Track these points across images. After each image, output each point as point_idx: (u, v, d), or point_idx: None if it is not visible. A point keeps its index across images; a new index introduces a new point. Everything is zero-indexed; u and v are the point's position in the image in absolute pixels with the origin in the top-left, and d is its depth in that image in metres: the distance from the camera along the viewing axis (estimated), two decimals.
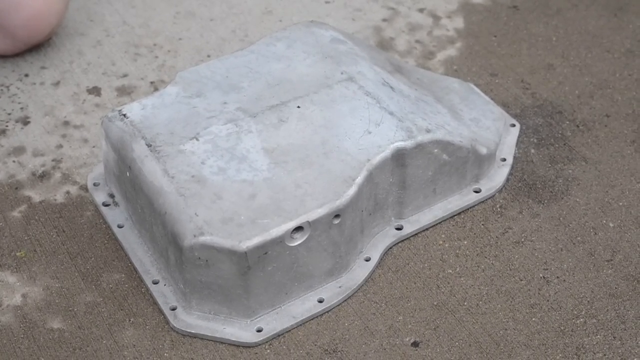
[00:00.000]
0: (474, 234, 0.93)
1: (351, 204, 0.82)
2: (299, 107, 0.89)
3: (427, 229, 0.93)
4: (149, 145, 0.85)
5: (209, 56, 1.15)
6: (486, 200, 0.96)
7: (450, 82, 1.04)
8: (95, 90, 1.10)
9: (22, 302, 0.87)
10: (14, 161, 1.01)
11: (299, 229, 0.80)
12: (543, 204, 0.96)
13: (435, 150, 0.89)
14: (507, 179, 0.98)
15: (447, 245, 0.92)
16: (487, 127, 0.98)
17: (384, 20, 1.20)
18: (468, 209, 0.95)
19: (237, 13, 1.21)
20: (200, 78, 0.93)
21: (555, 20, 1.20)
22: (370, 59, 0.96)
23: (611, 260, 0.90)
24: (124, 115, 0.89)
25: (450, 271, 0.89)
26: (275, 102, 0.89)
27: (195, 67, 0.94)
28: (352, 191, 0.82)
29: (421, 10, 1.22)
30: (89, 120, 1.06)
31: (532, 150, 1.02)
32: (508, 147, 1.00)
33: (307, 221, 0.80)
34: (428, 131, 0.88)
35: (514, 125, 1.03)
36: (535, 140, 1.03)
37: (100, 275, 0.89)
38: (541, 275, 0.89)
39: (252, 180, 0.83)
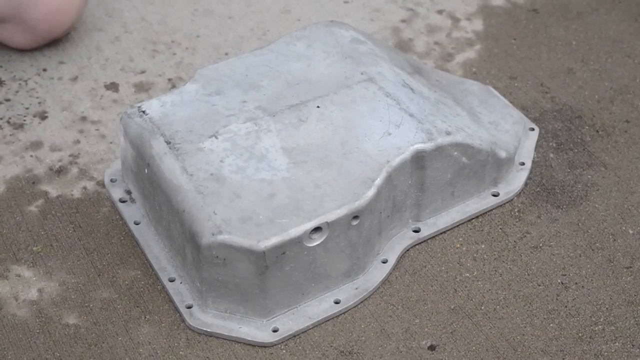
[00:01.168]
0: (492, 237, 0.93)
1: (370, 206, 0.82)
2: (318, 107, 0.89)
3: (444, 232, 0.92)
4: (167, 143, 0.85)
5: (226, 54, 1.15)
6: (504, 204, 0.95)
7: (469, 84, 1.04)
8: (113, 86, 1.10)
9: (38, 297, 0.87)
10: (31, 156, 1.01)
11: (317, 229, 0.80)
12: (562, 209, 0.95)
13: (455, 153, 0.88)
14: (526, 183, 0.97)
15: (464, 248, 0.91)
16: (507, 131, 0.97)
17: (403, 21, 1.20)
18: (486, 212, 0.94)
19: (256, 11, 1.21)
20: (220, 76, 0.93)
21: (576, 24, 1.19)
22: (390, 60, 0.96)
23: (630, 267, 0.89)
24: (143, 111, 0.88)
25: (468, 275, 0.89)
26: (295, 102, 0.89)
27: (214, 65, 0.94)
28: (371, 193, 0.82)
29: (440, 12, 1.21)
30: (107, 116, 1.06)
31: (551, 155, 1.01)
32: (527, 151, 0.99)
33: (326, 222, 0.80)
34: (448, 134, 0.88)
35: (533, 129, 1.02)
36: (554, 145, 1.02)
37: (116, 272, 0.89)
38: (559, 280, 0.88)
39: (271, 180, 0.82)
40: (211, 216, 0.79)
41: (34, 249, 0.91)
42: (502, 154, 0.93)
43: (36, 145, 1.02)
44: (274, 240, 0.78)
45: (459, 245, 0.92)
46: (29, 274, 0.89)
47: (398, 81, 0.92)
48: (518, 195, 0.96)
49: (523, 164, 0.98)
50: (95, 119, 1.06)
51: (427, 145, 0.86)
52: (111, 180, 0.96)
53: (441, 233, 0.92)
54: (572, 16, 1.21)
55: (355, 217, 0.81)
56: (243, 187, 0.82)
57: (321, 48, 0.96)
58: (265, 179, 0.82)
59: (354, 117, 0.88)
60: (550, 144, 1.02)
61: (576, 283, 0.88)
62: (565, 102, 1.08)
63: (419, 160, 0.86)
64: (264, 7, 1.22)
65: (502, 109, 1.01)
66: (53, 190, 0.97)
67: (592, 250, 0.91)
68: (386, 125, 0.87)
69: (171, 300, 0.86)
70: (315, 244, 0.80)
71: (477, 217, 0.94)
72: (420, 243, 0.91)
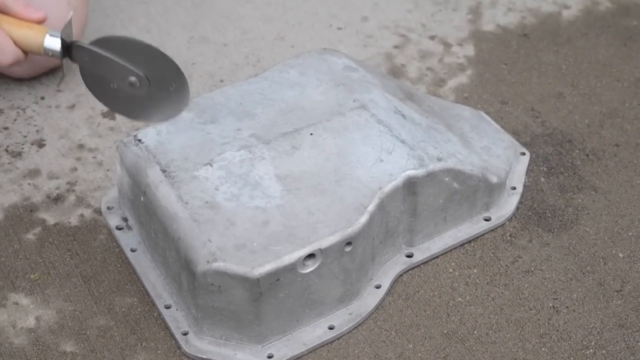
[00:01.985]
0: (484, 262, 0.94)
1: (363, 232, 0.83)
2: (311, 134, 0.90)
3: (437, 257, 0.94)
4: (163, 171, 0.86)
5: (222, 81, 1.16)
6: (496, 228, 0.97)
7: (460, 109, 1.05)
8: (109, 114, 1.11)
9: (36, 325, 0.87)
10: (29, 183, 1.02)
11: (311, 256, 0.81)
12: (553, 233, 0.96)
13: (447, 179, 0.89)
14: (517, 208, 0.98)
15: (457, 273, 0.92)
16: (498, 156, 0.99)
17: (395, 47, 1.22)
18: (478, 237, 0.96)
19: (250, 39, 1.23)
20: (214, 104, 0.94)
21: (565, 49, 1.21)
22: (382, 87, 0.97)
23: (621, 290, 0.90)
24: (139, 140, 0.90)
25: (460, 299, 0.90)
26: (288, 129, 0.91)
27: (209, 94, 0.96)
28: (364, 219, 0.83)
29: (432, 38, 1.23)
30: (104, 143, 1.07)
31: (542, 179, 1.02)
32: (518, 176, 1.01)
33: (319, 248, 0.81)
34: (439, 160, 0.89)
35: (524, 154, 1.04)
36: (545, 169, 1.04)
37: (113, 299, 0.90)
38: (551, 304, 0.89)
39: (265, 207, 0.83)
40: (206, 244, 0.80)
41: (32, 276, 0.92)
42: (494, 179, 0.94)
43: (34, 173, 1.04)
44: (268, 267, 0.79)
45: (451, 270, 0.93)
46: (27, 302, 0.90)
47: (390, 108, 0.94)
48: (510, 219, 0.97)
49: (514, 188, 0.99)
50: (93, 147, 1.07)
51: (419, 172, 0.87)
52: (108, 208, 0.97)
53: (434, 258, 0.93)
54: (562, 41, 1.23)
55: (349, 244, 0.83)
56: (237, 215, 0.83)
57: (314, 75, 0.97)
58: (259, 206, 0.84)
59: (346, 144, 0.89)
60: (541, 168, 1.04)
61: (567, 307, 0.89)
62: (555, 127, 1.10)
63: (410, 186, 0.87)
64: (259, 34, 1.24)
65: (494, 134, 1.02)
66: (50, 218, 0.98)
67: (583, 274, 0.92)
68: (378, 152, 0.89)
69: (167, 327, 0.86)
70: (309, 270, 0.82)
71: (469, 241, 0.95)
72: (413, 268, 0.92)
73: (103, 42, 0.85)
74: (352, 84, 0.96)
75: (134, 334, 0.86)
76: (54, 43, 0.84)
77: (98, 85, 0.87)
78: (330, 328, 0.85)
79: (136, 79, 0.84)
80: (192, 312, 0.84)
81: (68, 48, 0.85)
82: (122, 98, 0.86)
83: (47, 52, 0.85)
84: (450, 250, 0.94)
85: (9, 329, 0.87)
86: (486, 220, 0.96)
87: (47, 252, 0.95)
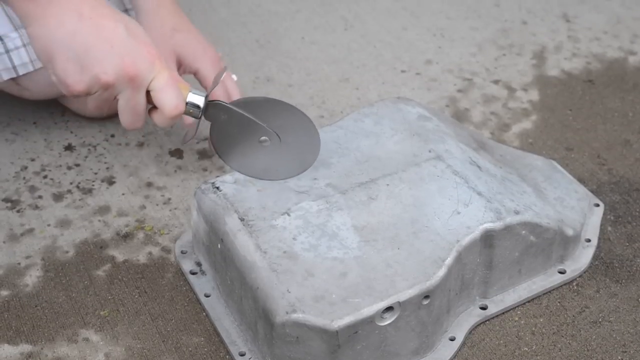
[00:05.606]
0: (550, 311, 0.93)
1: (440, 285, 0.83)
2: (387, 185, 0.90)
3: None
4: (241, 219, 0.87)
5: None
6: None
7: (532, 159, 1.05)
8: (177, 153, 1.13)
9: None
10: (99, 220, 1.04)
11: (389, 309, 0.81)
12: (621, 283, 0.96)
13: (523, 232, 0.89)
14: (592, 261, 0.98)
15: (522, 322, 0.92)
16: (572, 207, 0.99)
17: (459, 91, 1.22)
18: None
19: (315, 80, 1.24)
20: None
21: (632, 96, 1.21)
22: (455, 137, 0.97)
23: None
24: (217, 188, 0.91)
25: (527, 349, 0.89)
26: (365, 179, 0.91)
27: None
28: (442, 272, 0.83)
29: (496, 82, 1.23)
30: (171, 182, 1.09)
31: (609, 228, 1.02)
32: (592, 228, 1.00)
33: (398, 301, 0.81)
34: (517, 213, 0.89)
35: (597, 205, 1.03)
36: (612, 218, 1.03)
37: (180, 338, 0.90)
38: (620, 357, 0.89)
39: (342, 258, 0.84)
40: (285, 294, 0.81)
41: (102, 313, 0.93)
42: (569, 232, 0.94)
43: (104, 210, 1.05)
44: (347, 320, 0.79)
45: (517, 319, 0.92)
46: (97, 338, 0.91)
47: (465, 159, 0.94)
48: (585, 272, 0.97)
49: (589, 240, 0.99)
50: (161, 185, 1.08)
51: (496, 225, 0.87)
52: (182, 252, 0.98)
53: (508, 310, 0.93)
54: (628, 87, 1.22)
55: (426, 297, 0.83)
56: (315, 266, 0.83)
57: (389, 125, 0.98)
58: (337, 257, 0.84)
59: (423, 195, 0.90)
60: (608, 217, 1.03)
61: None
62: (622, 175, 1.09)
63: (487, 239, 0.87)
64: (323, 75, 1.25)
65: (567, 185, 1.02)
66: (120, 255, 1.00)
67: None
68: (455, 204, 0.89)
69: None
70: (386, 323, 0.82)
71: None
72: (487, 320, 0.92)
73: (241, 102, 0.87)
74: (427, 133, 0.97)
75: None
76: (197, 100, 0.83)
77: (225, 144, 0.87)
78: None
79: (267, 138, 0.86)
80: None
81: (206, 106, 0.84)
82: (251, 157, 0.87)
83: (187, 109, 0.83)
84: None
85: None
86: (561, 272, 0.95)
87: (117, 289, 0.96)
